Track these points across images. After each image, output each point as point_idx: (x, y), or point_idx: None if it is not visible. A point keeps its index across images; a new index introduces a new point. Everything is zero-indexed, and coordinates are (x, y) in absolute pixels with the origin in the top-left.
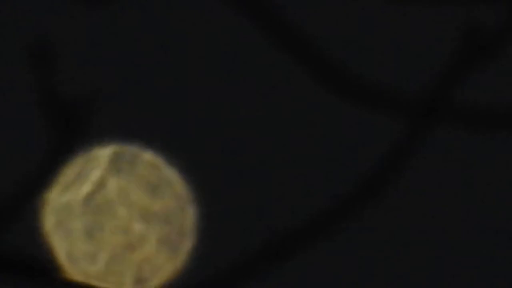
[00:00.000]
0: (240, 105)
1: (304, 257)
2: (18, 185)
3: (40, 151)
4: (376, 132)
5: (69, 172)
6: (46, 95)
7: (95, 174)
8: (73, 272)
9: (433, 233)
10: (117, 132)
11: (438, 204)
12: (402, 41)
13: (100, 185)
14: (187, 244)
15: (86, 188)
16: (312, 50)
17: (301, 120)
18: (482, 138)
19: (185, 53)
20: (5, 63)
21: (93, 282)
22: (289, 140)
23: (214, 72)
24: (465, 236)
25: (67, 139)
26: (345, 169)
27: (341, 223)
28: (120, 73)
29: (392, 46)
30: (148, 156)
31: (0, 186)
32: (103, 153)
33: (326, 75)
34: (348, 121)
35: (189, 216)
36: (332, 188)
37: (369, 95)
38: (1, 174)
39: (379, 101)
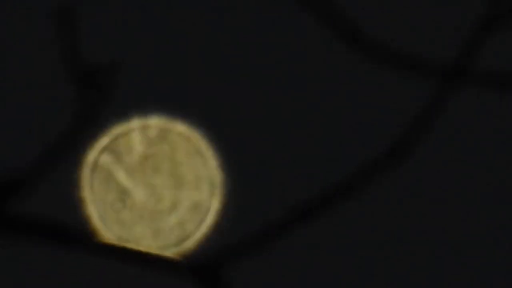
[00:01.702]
0: (261, 70)
1: (327, 221)
2: (46, 150)
3: (65, 118)
4: (402, 95)
5: (104, 140)
6: (70, 62)
7: (129, 143)
8: (107, 236)
9: (455, 190)
10: (142, 101)
11: (463, 162)
12: (428, 8)
13: (134, 154)
14: (215, 210)
15: (120, 155)
16: (340, 16)
17: (322, 84)
18: (505, 99)
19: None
20: (30, 30)
21: (127, 245)
22: (309, 105)
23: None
24: (486, 196)
25: (92, 104)
26: (370, 131)
27: (366, 186)
28: (142, 42)
29: (418, 13)
30: (177, 127)
31: (28, 152)
32: (136, 124)
33: (352, 38)
34: (373, 86)
35: (217, 182)
36: (357, 152)
37: (395, 59)
38: (30, 140)
39: (405, 65)
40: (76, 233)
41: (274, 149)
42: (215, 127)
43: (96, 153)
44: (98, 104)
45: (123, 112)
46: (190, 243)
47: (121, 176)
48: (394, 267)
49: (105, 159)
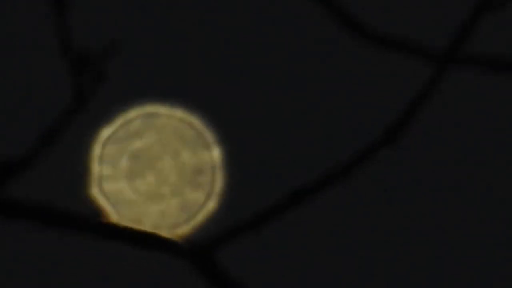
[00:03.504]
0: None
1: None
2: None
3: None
4: (397, 78)
5: (109, 127)
6: (64, 44)
7: (133, 131)
8: (116, 217)
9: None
10: (145, 89)
11: (456, 141)
12: None
13: (138, 141)
14: (216, 192)
15: (126, 141)
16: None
17: (318, 68)
18: (502, 82)
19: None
20: (25, 13)
21: (134, 225)
22: (305, 88)
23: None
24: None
25: (85, 88)
26: (367, 115)
27: (361, 169)
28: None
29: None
30: (179, 114)
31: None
32: (139, 112)
33: (345, 21)
34: (369, 69)
35: (217, 165)
36: (353, 136)
37: (390, 42)
38: (27, 123)
39: (400, 47)
40: (83, 215)
41: (273, 133)
42: (216, 115)
43: (103, 140)
44: (96, 88)
45: (126, 101)
46: (191, 225)
47: (127, 162)
48: (389, 249)
49: (111, 145)
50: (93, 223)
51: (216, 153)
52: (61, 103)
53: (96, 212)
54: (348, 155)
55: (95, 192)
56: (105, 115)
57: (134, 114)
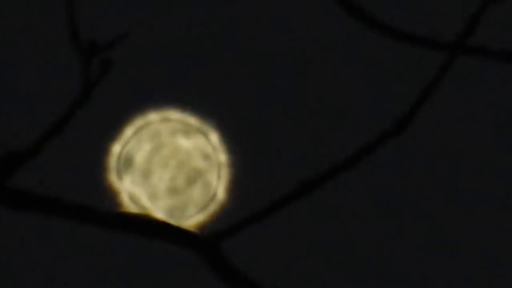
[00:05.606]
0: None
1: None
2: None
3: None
4: (407, 67)
5: (128, 129)
6: (73, 33)
7: (149, 134)
8: (133, 209)
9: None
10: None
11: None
12: None
13: (156, 139)
14: (222, 188)
15: (142, 143)
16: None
17: (326, 54)
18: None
19: None
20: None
21: (149, 216)
22: (312, 78)
23: None
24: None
25: (92, 76)
26: (376, 104)
27: (369, 157)
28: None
29: None
30: (189, 120)
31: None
32: (156, 116)
33: (357, 12)
34: (377, 59)
35: (224, 165)
36: (362, 125)
37: (399, 33)
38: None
39: (410, 37)
40: (94, 206)
41: (279, 127)
42: (221, 116)
43: (122, 142)
44: (103, 77)
45: (142, 101)
46: (200, 219)
47: (142, 161)
48: (394, 237)
49: (129, 146)
50: (104, 213)
51: (222, 152)
52: (70, 92)
53: (107, 204)
54: (357, 145)
55: (107, 185)
56: (122, 114)
57: (150, 116)
